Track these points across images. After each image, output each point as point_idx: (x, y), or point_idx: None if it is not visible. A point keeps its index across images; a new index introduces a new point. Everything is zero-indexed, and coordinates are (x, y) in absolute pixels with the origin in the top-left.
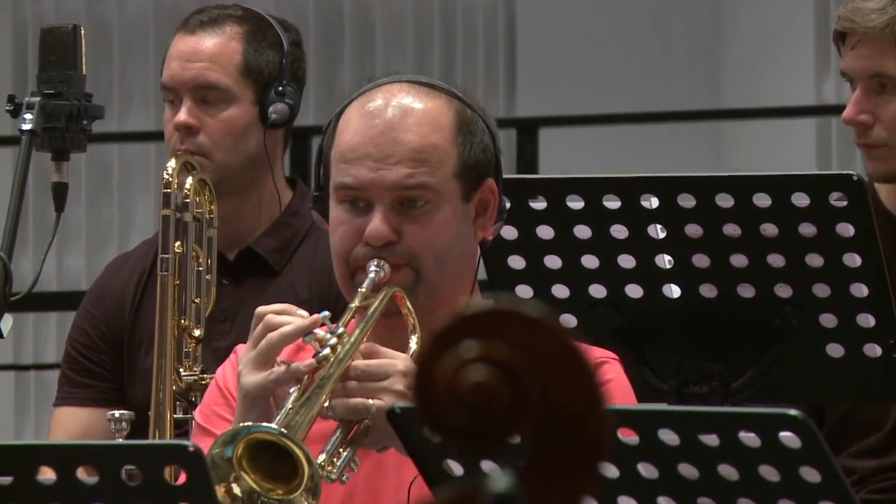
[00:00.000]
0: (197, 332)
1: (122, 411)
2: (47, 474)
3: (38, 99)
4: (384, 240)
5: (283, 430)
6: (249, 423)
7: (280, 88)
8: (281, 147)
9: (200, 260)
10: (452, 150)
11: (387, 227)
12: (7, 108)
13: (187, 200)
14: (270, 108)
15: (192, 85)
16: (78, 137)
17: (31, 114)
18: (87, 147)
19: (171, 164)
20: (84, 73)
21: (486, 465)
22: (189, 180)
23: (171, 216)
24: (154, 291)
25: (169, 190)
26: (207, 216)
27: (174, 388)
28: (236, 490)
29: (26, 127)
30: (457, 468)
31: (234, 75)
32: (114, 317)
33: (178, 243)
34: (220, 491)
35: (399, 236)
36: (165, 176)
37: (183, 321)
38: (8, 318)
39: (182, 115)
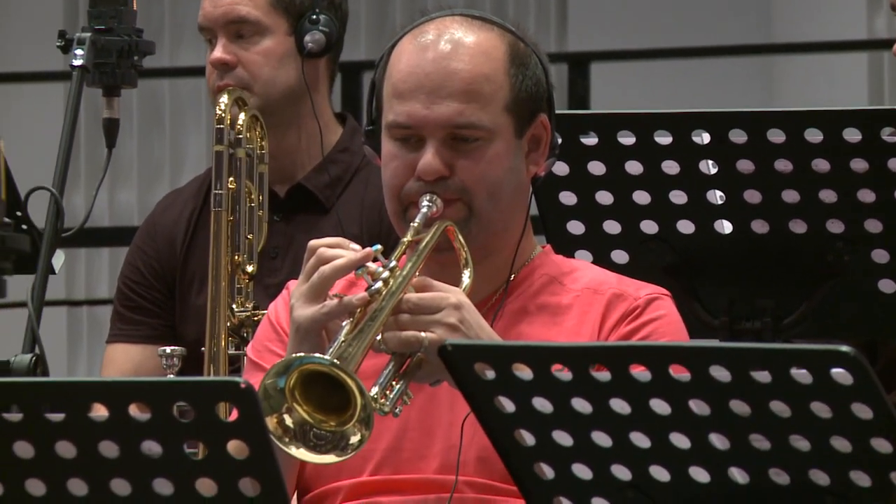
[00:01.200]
0: (250, 269)
1: (172, 347)
2: (100, 411)
3: (88, 34)
4: (436, 175)
5: (335, 360)
6: (302, 354)
7: (314, 17)
8: (325, 80)
9: (253, 196)
10: (505, 82)
11: (439, 162)
12: (58, 43)
13: (240, 136)
14: (306, 38)
15: (223, 21)
16: (129, 73)
17: (82, 49)
18: (139, 82)
19: (224, 99)
20: (135, 8)
21: None
22: (242, 116)
23: (224, 152)
24: (205, 228)
25: (222, 126)
26: (258, 152)
27: (227, 324)
28: (288, 421)
29: (77, 63)
30: (508, 405)
31: (263, 7)
32: (165, 253)
33: (231, 179)
34: (272, 422)
35: (451, 171)
36: (218, 112)
37: (237, 257)
38: (60, 254)
39: (217, 52)
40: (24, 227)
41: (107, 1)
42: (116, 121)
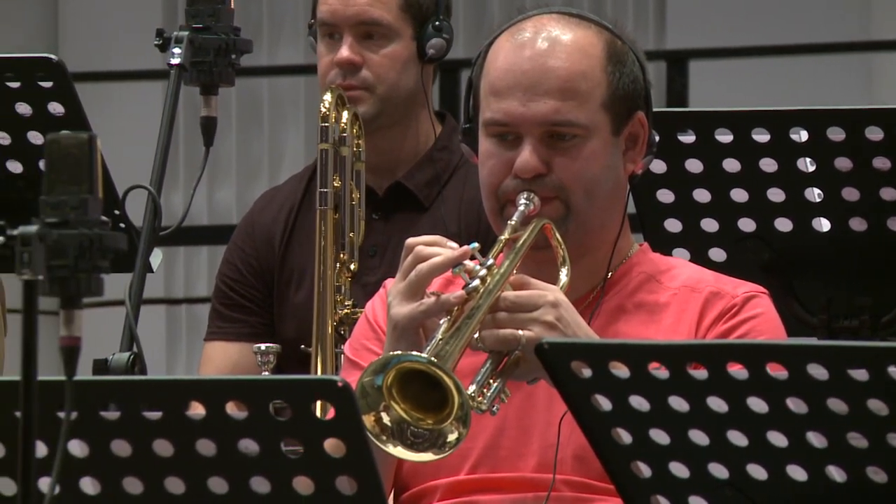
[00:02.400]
0: (353, 267)
1: (267, 344)
2: (197, 410)
3: (186, 33)
4: (534, 172)
5: (432, 358)
6: (400, 352)
7: (437, 23)
8: (431, 80)
9: (354, 195)
10: (602, 79)
11: (536, 160)
12: (156, 42)
13: (344, 135)
14: (430, 43)
15: (354, 21)
16: (226, 71)
17: (180, 48)
18: (237, 81)
19: (328, 98)
20: (232, 6)
21: None
22: (345, 114)
23: (329, 150)
24: (304, 226)
25: (327, 124)
26: (355, 150)
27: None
28: (386, 419)
29: (175, 61)
30: (605, 403)
31: (394, 11)
32: (264, 251)
33: (336, 178)
34: (369, 420)
35: (549, 169)
36: (323, 110)
37: (342, 256)
38: (158, 252)
39: (345, 52)
40: (122, 225)
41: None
42: (214, 119)
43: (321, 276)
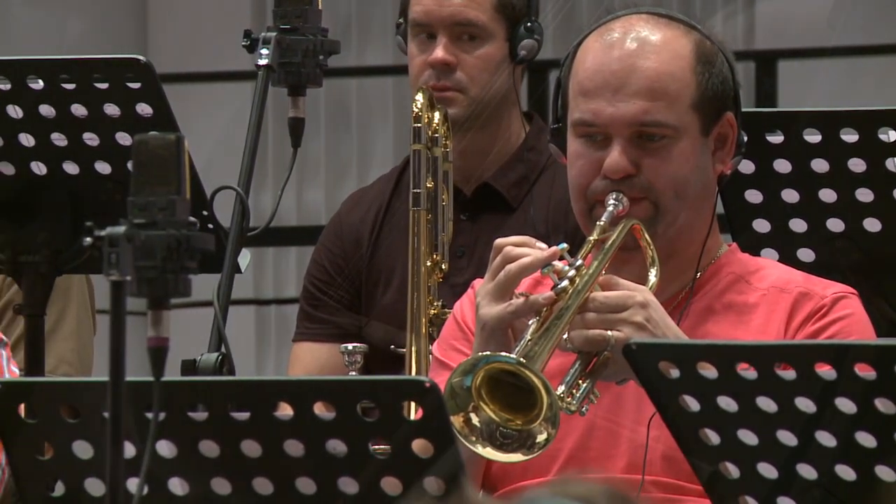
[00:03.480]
0: (444, 267)
1: (354, 344)
2: (285, 410)
3: (274, 34)
4: (623, 173)
5: (521, 359)
6: (489, 353)
7: (529, 24)
8: (521, 81)
9: (444, 196)
10: (691, 80)
11: (626, 161)
12: (244, 43)
13: (436, 135)
14: (522, 44)
15: (449, 22)
16: (314, 72)
17: (268, 49)
18: (326, 82)
19: (420, 98)
20: (320, 7)
21: None
22: (437, 115)
23: (422, 151)
24: (392, 227)
25: (419, 124)
26: (444, 151)
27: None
28: (475, 420)
29: (262, 62)
30: (693, 404)
31: (489, 12)
32: (352, 252)
33: (429, 178)
34: (458, 421)
35: (638, 169)
36: (415, 110)
37: (434, 257)
38: (246, 253)
39: (439, 53)
40: (210, 226)
41: (292, 0)
42: (301, 120)
43: (415, 277)
